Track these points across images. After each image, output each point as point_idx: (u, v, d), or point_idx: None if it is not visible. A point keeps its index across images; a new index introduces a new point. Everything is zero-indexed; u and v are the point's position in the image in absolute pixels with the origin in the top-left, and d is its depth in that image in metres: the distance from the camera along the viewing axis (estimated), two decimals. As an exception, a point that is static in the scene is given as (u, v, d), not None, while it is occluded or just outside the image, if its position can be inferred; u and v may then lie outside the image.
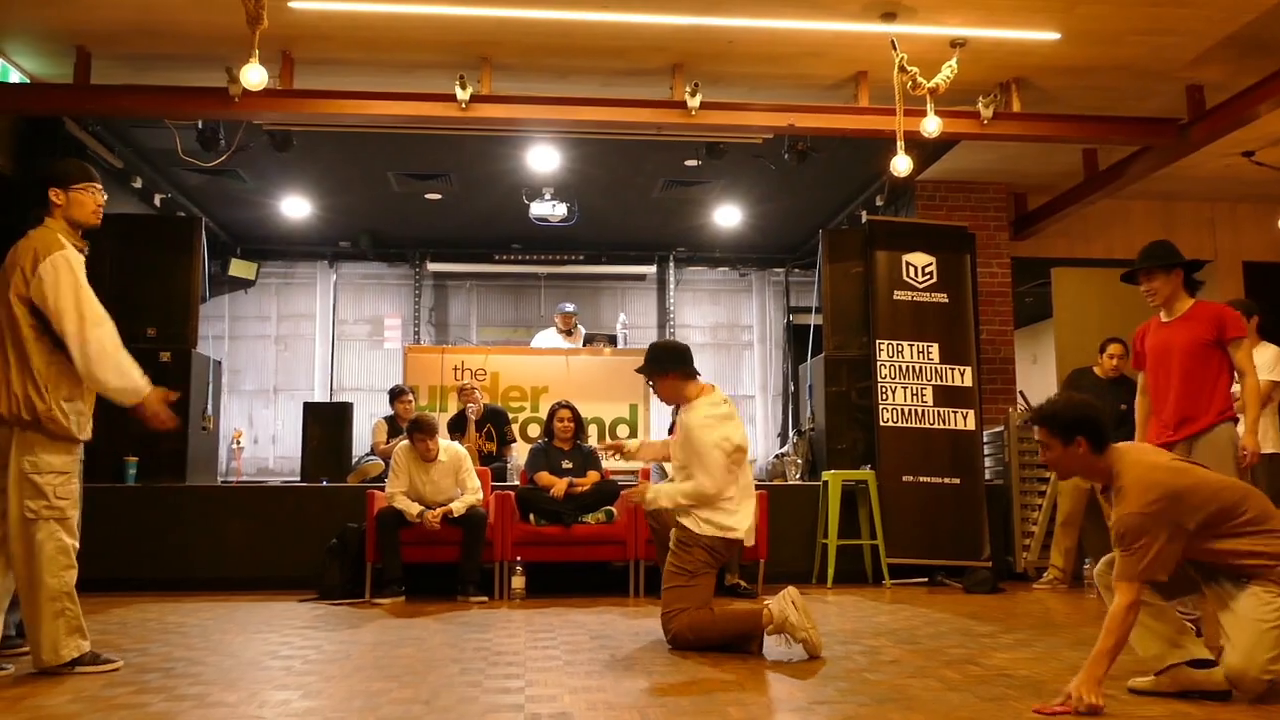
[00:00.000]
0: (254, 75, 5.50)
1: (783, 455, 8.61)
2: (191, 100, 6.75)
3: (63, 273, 3.65)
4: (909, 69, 6.00)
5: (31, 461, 3.63)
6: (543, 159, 8.84)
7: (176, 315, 7.44)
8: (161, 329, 7.34)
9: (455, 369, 8.94)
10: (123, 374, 3.72)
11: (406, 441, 6.42)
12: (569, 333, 9.63)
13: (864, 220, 8.52)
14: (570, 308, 9.82)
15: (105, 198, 3.95)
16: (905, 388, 7.49)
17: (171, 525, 6.74)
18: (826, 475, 7.26)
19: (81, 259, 3.77)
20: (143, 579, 6.60)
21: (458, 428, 7.75)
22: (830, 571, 6.96)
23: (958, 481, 7.31)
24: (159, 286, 7.42)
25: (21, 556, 3.63)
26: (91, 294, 3.70)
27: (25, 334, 3.64)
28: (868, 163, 8.55)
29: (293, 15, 5.99)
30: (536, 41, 6.41)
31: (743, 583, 6.30)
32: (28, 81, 6.99)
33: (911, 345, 7.57)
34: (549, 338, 9.70)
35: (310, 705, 3.21)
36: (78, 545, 3.74)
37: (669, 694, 3.37)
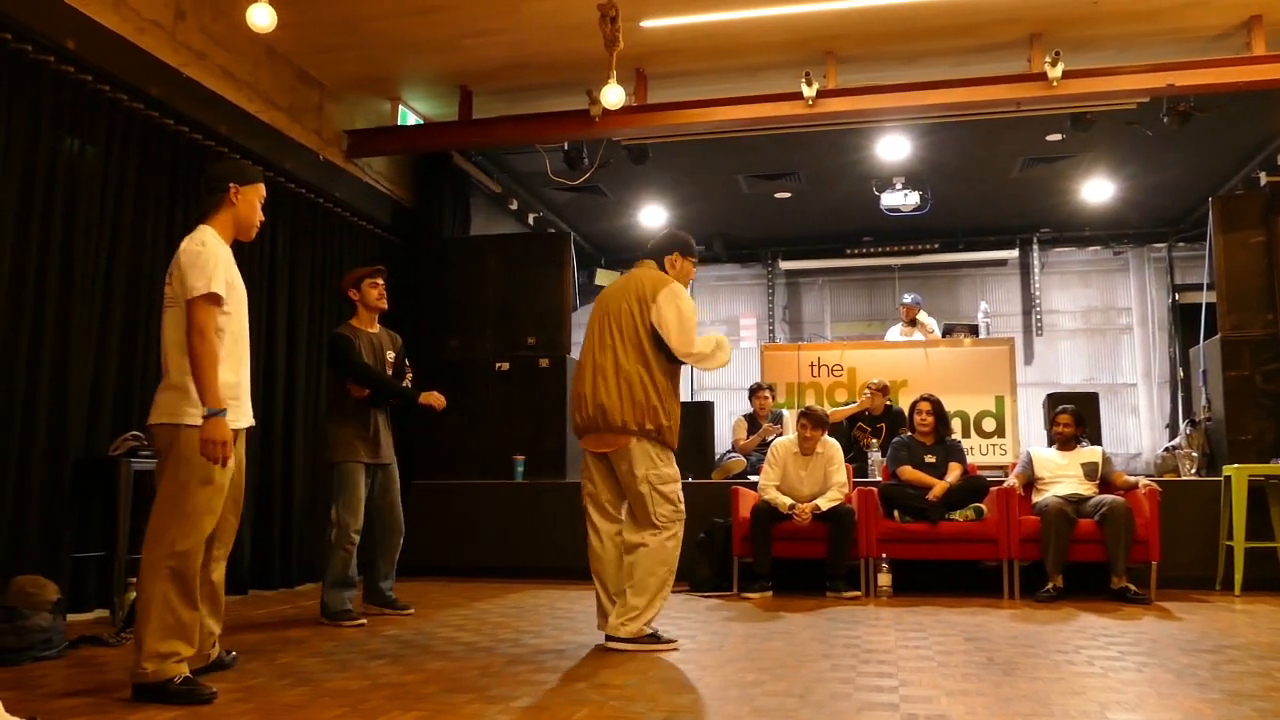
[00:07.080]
0: (613, 95, 5.86)
1: (1174, 448, 7.84)
2: (557, 124, 7.31)
3: (679, 302, 4.30)
4: (1317, 5, 5.26)
5: (657, 474, 4.23)
6: (892, 148, 8.66)
7: (551, 324, 8.03)
8: (540, 337, 7.96)
9: (811, 365, 8.94)
10: (710, 358, 4.32)
11: (787, 437, 6.61)
12: (912, 324, 9.30)
13: (1264, 183, 7.59)
14: (909, 299, 9.44)
15: (696, 272, 4.69)
16: (1325, 369, 6.57)
17: (553, 518, 7.28)
18: (1229, 470, 6.51)
19: (686, 293, 4.42)
20: (528, 567, 7.19)
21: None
22: (1238, 577, 6.23)
23: (1400, 476, 6.30)
24: (536, 298, 8.05)
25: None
26: (692, 320, 4.30)
27: (649, 353, 4.28)
28: (1266, 118, 7.63)
29: (644, 34, 6.30)
30: (880, 29, 6.29)
31: (1132, 587, 5.80)
32: (421, 123, 7.89)
33: (1332, 320, 6.62)
34: (896, 333, 9.46)
35: (681, 701, 3.34)
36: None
37: (1054, 702, 3.17)
